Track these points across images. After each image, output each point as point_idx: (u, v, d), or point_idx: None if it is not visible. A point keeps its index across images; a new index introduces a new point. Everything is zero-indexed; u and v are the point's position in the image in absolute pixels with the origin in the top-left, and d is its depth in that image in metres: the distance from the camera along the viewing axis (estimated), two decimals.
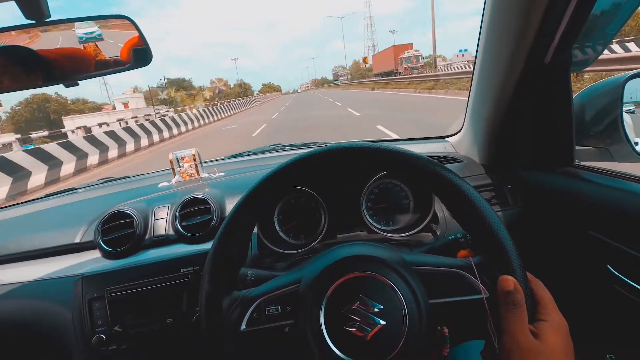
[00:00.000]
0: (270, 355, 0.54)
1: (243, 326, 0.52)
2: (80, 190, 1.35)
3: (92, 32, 0.65)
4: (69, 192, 1.34)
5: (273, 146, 1.56)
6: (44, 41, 0.65)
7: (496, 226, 0.49)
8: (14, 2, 0.55)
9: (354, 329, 0.48)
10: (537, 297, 0.47)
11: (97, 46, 0.67)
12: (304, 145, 1.51)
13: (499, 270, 0.47)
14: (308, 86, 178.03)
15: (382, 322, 0.48)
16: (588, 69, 0.90)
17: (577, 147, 0.88)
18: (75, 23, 0.62)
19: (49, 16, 0.57)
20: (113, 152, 10.14)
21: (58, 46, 0.66)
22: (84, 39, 0.65)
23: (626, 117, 0.83)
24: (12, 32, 0.64)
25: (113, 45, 0.70)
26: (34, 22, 0.57)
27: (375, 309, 0.48)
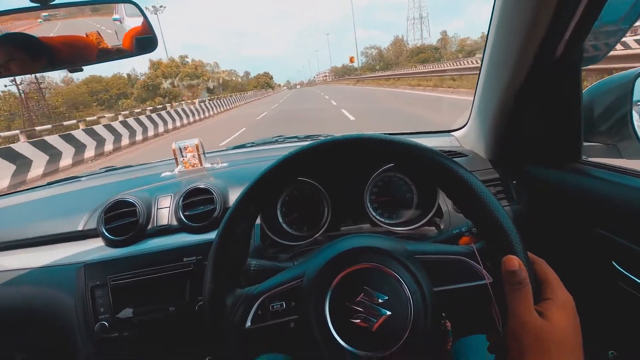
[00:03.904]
0: (277, 351, 0.54)
1: (248, 324, 0.52)
2: (83, 178, 1.35)
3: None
4: (72, 180, 1.34)
5: (276, 138, 1.56)
6: (47, 29, 0.64)
7: (496, 210, 0.49)
8: None
9: (359, 321, 0.47)
10: (541, 276, 0.47)
11: (99, 34, 0.67)
12: (307, 137, 1.50)
13: (501, 253, 0.47)
14: (326, 76, 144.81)
15: (388, 313, 0.47)
16: (596, 66, 0.89)
17: (584, 143, 0.88)
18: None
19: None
20: None
21: (60, 33, 0.65)
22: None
23: (635, 114, 0.82)
24: (17, 21, 0.63)
25: (117, 31, 0.69)
26: (38, 4, 0.56)
27: (380, 300, 0.48)
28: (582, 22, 0.72)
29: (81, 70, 0.65)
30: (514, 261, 0.45)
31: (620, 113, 0.81)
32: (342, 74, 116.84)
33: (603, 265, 0.76)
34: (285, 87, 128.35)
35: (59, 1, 0.57)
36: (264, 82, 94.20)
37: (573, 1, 0.69)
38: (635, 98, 0.80)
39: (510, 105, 0.92)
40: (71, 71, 0.66)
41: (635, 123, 0.80)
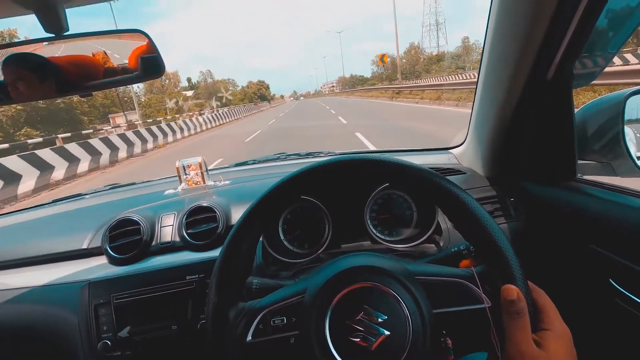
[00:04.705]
0: None
1: (249, 337, 0.52)
2: (87, 196, 1.37)
3: None
4: (76, 198, 1.36)
5: (277, 155, 1.58)
6: (53, 49, 0.66)
7: (497, 236, 0.50)
8: (34, 15, 0.57)
9: (359, 340, 0.48)
10: (540, 306, 0.48)
11: (105, 54, 0.69)
12: (308, 154, 1.52)
13: (501, 279, 0.48)
14: (333, 86, 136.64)
15: (387, 333, 0.48)
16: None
17: (579, 162, 0.89)
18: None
19: (68, 30, 0.59)
20: None
21: (67, 53, 0.68)
22: None
23: (628, 132, 0.84)
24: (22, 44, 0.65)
25: (124, 54, 0.72)
26: (53, 35, 0.59)
27: (380, 320, 0.49)
28: (571, 45, 0.75)
29: (90, 95, 0.67)
30: (513, 291, 0.45)
31: (613, 132, 0.83)
32: (352, 84, 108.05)
33: (600, 282, 0.77)
34: (292, 98, 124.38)
35: (73, 32, 0.59)
36: (254, 94, 74.95)
37: (563, 25, 0.72)
38: (626, 117, 0.82)
39: (506, 124, 0.94)
40: (81, 97, 0.68)
41: (628, 142, 0.82)
